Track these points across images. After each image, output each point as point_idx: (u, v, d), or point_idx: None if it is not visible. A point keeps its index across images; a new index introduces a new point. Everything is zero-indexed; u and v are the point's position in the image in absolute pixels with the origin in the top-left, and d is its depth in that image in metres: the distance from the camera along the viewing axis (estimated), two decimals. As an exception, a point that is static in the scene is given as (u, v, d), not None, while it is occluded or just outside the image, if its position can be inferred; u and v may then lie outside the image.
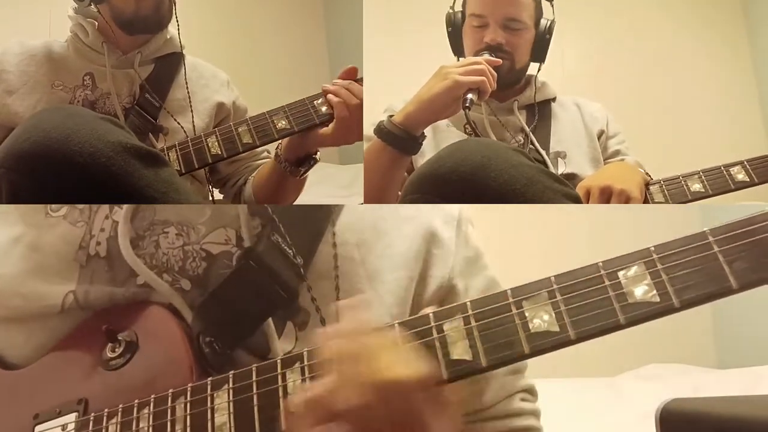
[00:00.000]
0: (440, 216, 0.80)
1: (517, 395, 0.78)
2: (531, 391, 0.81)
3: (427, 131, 1.07)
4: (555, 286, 0.53)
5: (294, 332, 0.71)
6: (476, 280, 0.80)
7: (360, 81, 1.06)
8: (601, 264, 0.53)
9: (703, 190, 1.03)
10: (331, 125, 1.06)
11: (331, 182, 2.50)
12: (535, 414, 0.82)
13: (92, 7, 1.15)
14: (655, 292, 0.51)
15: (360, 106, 1.03)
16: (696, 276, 0.50)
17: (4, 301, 0.71)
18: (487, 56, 1.11)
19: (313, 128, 1.06)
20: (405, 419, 0.52)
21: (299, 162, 1.10)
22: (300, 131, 1.05)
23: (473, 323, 0.54)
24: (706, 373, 2.30)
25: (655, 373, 2.30)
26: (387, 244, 0.76)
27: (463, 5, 1.25)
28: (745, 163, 1.04)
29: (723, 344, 2.79)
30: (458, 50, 1.26)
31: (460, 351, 0.54)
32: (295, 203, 1.19)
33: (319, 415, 0.52)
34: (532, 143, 1.18)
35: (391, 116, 1.04)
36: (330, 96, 1.04)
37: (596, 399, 2.05)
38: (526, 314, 0.53)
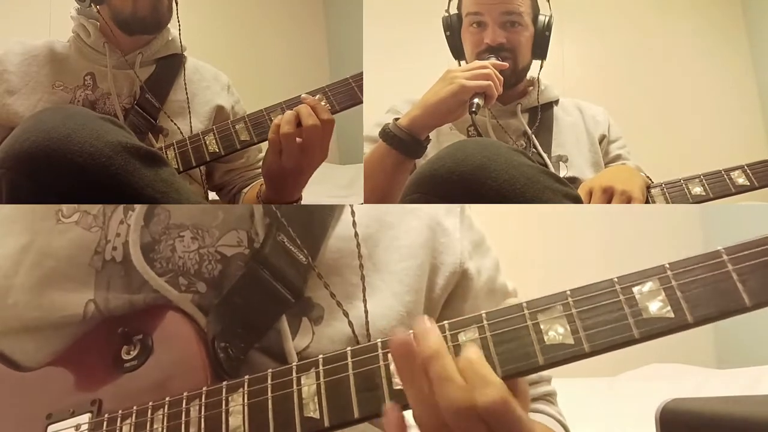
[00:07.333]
0: (443, 205, 0.82)
1: None
2: None
3: (431, 134, 1.07)
4: (570, 300, 0.54)
5: (310, 327, 0.72)
6: (486, 261, 0.85)
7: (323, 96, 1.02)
8: (616, 279, 0.53)
9: (704, 193, 1.04)
10: None
11: (331, 182, 2.49)
12: (549, 380, 0.86)
13: (93, 8, 1.15)
14: (669, 308, 0.51)
15: (289, 136, 0.93)
16: (710, 293, 0.50)
17: (22, 313, 0.71)
18: (494, 60, 1.10)
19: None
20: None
21: None
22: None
23: (488, 334, 0.54)
24: (706, 373, 2.30)
25: (655, 373, 2.30)
26: (393, 237, 0.79)
27: (459, 7, 1.24)
28: (746, 167, 1.05)
29: (723, 344, 2.79)
30: (458, 53, 1.25)
31: None
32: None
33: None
34: (534, 146, 1.18)
35: (396, 119, 1.04)
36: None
37: (596, 399, 2.04)
38: (541, 326, 0.54)
